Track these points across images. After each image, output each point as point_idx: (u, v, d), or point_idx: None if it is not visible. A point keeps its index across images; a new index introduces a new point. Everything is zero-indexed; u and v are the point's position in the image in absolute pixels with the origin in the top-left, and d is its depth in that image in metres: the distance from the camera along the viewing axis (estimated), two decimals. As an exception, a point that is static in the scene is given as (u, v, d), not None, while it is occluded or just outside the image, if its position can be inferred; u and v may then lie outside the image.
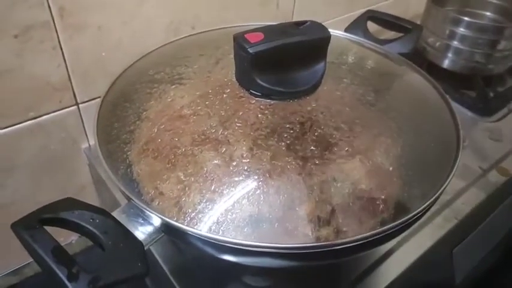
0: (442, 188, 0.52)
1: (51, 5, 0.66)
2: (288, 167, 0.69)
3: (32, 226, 0.41)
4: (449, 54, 1.08)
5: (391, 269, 0.65)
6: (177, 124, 0.76)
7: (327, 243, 0.44)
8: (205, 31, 0.83)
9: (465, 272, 0.78)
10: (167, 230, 0.49)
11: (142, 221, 0.50)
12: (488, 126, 0.97)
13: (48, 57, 0.71)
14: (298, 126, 0.73)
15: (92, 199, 0.95)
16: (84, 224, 0.45)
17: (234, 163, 0.67)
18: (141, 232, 0.49)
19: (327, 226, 0.58)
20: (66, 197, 0.50)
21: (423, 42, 1.13)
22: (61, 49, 0.72)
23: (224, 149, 0.69)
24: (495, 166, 0.86)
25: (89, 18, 0.73)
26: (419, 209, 0.50)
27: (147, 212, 0.49)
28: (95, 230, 0.45)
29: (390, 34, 1.23)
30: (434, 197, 0.51)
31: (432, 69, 1.10)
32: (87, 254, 0.86)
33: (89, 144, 0.87)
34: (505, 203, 0.84)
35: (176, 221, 0.57)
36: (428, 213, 0.53)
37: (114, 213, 0.50)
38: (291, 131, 0.73)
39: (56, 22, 0.68)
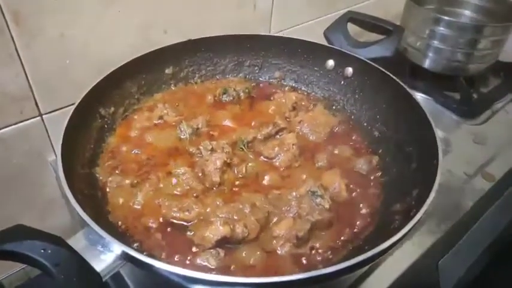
0: (424, 208, 0.49)
1: (3, 9, 0.61)
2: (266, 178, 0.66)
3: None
4: (430, 54, 1.06)
5: (374, 286, 0.62)
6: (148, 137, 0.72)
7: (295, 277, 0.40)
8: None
9: (451, 283, 0.75)
10: (129, 259, 0.44)
11: (102, 249, 0.45)
12: (473, 130, 0.95)
13: (4, 66, 0.66)
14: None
15: (62, 213, 0.90)
16: (33, 255, 0.41)
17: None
18: (101, 260, 0.44)
19: (305, 245, 0.54)
20: (17, 223, 0.45)
21: (404, 42, 1.11)
22: (19, 57, 0.66)
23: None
24: (480, 171, 0.84)
25: (48, 23, 0.67)
26: (395, 238, 0.46)
27: (107, 239, 0.44)
28: (45, 262, 0.41)
29: (371, 36, 1.21)
30: (415, 221, 0.48)
31: (415, 71, 1.08)
32: (40, 283, 0.82)
33: (56, 157, 0.82)
34: (491, 210, 0.82)
35: (139, 248, 0.53)
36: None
37: (71, 240, 0.45)
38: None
39: (10, 28, 0.63)
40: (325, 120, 0.76)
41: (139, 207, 0.59)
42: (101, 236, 0.44)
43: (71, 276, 0.40)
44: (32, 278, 0.86)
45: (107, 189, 0.62)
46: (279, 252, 0.53)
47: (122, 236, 0.55)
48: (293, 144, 0.67)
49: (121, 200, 0.60)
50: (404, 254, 0.66)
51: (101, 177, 0.63)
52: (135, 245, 0.54)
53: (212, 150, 0.65)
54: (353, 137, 0.74)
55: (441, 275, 0.70)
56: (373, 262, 0.47)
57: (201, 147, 0.66)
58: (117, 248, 0.44)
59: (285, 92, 0.83)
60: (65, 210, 0.90)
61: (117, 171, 0.64)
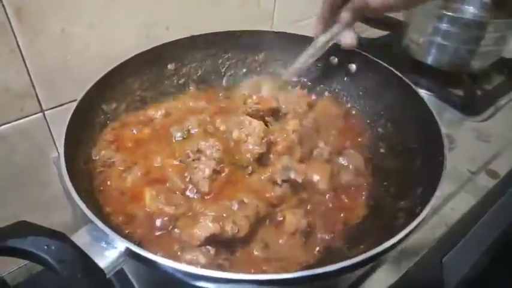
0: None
1: (5, 5, 0.61)
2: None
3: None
4: (433, 51, 1.06)
5: (377, 284, 0.61)
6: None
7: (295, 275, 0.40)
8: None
9: (455, 280, 0.74)
10: (133, 256, 0.44)
11: (105, 245, 0.45)
12: (476, 126, 0.95)
13: (6, 62, 0.65)
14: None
15: (65, 210, 0.90)
16: (37, 252, 0.41)
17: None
18: (105, 257, 0.44)
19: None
20: (20, 220, 0.44)
21: (407, 39, 1.10)
22: (21, 53, 0.66)
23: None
24: (484, 168, 0.83)
25: (50, 20, 0.67)
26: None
27: (111, 236, 0.44)
28: (49, 259, 0.40)
29: (374, 32, 1.20)
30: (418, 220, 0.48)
31: (417, 67, 1.07)
32: (42, 279, 0.81)
33: (58, 153, 0.81)
34: (495, 207, 0.81)
35: (142, 245, 0.53)
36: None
37: (74, 237, 0.44)
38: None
39: (12, 24, 0.63)
40: (328, 116, 0.75)
41: (126, 191, 0.59)
42: (105, 232, 0.44)
43: (75, 273, 0.40)
44: (34, 275, 0.85)
45: (97, 167, 0.61)
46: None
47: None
48: (293, 131, 0.65)
49: (111, 185, 0.60)
50: (409, 250, 0.65)
51: (94, 155, 0.63)
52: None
53: (199, 151, 0.61)
54: (356, 133, 0.74)
55: (445, 271, 0.70)
56: (377, 260, 0.47)
57: (188, 151, 0.62)
58: (121, 244, 0.44)
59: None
60: (67, 207, 0.90)
61: (112, 147, 0.64)
